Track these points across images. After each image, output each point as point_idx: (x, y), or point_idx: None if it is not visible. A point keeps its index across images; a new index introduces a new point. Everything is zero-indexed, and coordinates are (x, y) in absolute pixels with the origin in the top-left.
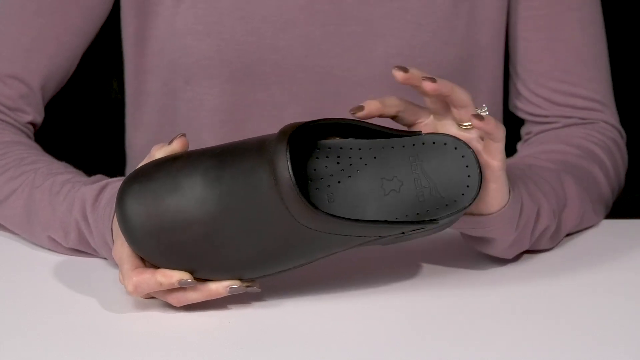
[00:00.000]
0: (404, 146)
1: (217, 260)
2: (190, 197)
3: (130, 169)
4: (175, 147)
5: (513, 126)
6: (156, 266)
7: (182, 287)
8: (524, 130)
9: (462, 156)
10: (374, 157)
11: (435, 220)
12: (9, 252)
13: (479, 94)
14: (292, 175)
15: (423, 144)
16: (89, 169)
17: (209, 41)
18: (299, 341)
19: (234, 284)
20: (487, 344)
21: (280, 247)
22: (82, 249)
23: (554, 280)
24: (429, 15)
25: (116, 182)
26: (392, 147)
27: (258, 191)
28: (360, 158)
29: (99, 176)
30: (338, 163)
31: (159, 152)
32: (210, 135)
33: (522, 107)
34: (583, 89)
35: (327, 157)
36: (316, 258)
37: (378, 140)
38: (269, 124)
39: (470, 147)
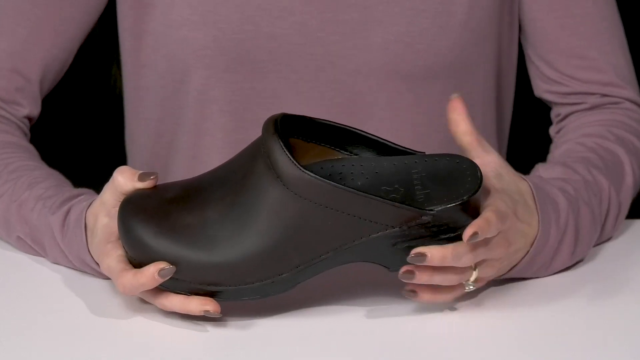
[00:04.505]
0: (406, 162)
1: (204, 237)
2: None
3: (131, 164)
4: (147, 185)
5: (539, 113)
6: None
7: (161, 290)
8: (553, 113)
9: (464, 166)
10: (376, 172)
11: (431, 209)
12: (5, 252)
13: (475, 79)
14: (279, 131)
15: (425, 160)
16: (91, 165)
17: (205, 31)
18: (297, 344)
19: (209, 309)
20: (489, 352)
21: (270, 223)
22: (63, 264)
23: (555, 279)
24: (427, 1)
25: (79, 204)
26: (395, 164)
27: (252, 171)
28: (362, 173)
29: (67, 195)
30: (340, 172)
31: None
32: (210, 125)
33: (547, 88)
34: (604, 63)
35: (332, 166)
36: (310, 257)
37: (382, 157)
38: (269, 113)
39: (471, 160)
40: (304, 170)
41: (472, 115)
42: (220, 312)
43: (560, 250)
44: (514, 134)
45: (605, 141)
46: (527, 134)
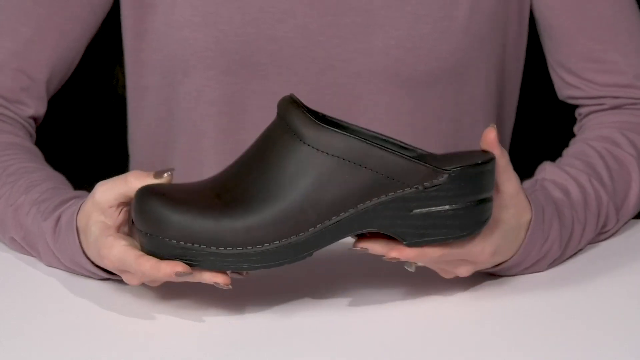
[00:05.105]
0: (419, 159)
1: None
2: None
3: (132, 164)
4: (163, 181)
5: (543, 115)
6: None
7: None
8: (576, 112)
9: (476, 154)
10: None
11: (447, 170)
12: (5, 252)
13: (476, 84)
14: (294, 95)
15: (437, 158)
16: (94, 165)
17: (206, 32)
18: (298, 344)
19: (219, 281)
20: (489, 351)
21: (289, 180)
22: (58, 268)
23: (554, 278)
24: (429, 5)
25: (69, 208)
26: (408, 161)
27: (269, 140)
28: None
29: (61, 199)
30: None
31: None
32: (208, 126)
33: (569, 93)
34: (623, 65)
35: None
36: (328, 216)
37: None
38: (268, 115)
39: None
40: (319, 123)
41: (472, 120)
42: (230, 285)
43: (535, 266)
44: (517, 136)
45: (617, 148)
46: (531, 136)
